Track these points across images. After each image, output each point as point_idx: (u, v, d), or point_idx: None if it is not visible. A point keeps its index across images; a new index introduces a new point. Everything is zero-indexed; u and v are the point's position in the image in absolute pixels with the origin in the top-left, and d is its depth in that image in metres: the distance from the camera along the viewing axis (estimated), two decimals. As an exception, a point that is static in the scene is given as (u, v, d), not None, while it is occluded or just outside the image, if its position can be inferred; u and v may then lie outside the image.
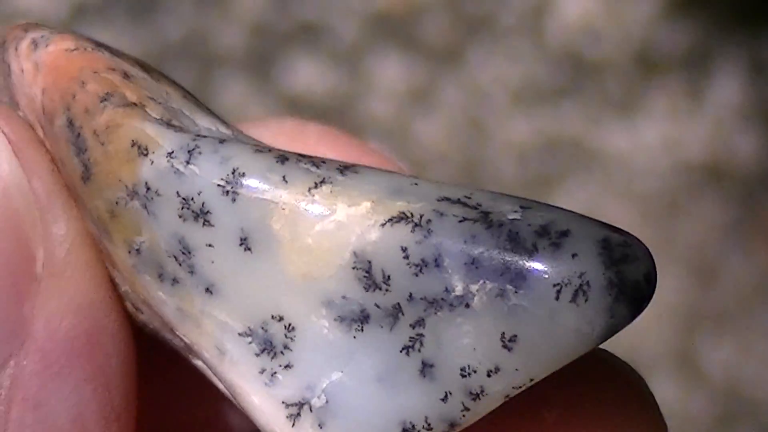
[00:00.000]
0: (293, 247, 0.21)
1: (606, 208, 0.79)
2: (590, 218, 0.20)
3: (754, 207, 0.80)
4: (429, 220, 0.20)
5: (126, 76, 0.23)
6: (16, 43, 0.24)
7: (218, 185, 0.21)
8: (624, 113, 0.82)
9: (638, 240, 0.20)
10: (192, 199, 0.21)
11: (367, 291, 0.20)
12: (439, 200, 0.20)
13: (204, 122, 0.23)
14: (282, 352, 0.21)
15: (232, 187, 0.21)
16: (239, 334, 0.21)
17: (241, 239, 0.21)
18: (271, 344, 0.21)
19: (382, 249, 0.20)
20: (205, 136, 0.22)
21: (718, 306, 0.79)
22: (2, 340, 0.21)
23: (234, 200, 0.21)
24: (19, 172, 0.22)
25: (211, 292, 0.21)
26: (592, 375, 0.23)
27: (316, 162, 0.21)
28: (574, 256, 0.19)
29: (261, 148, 0.21)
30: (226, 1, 0.81)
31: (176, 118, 0.22)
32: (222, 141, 0.21)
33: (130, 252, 0.22)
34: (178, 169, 0.21)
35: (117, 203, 0.22)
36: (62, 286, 0.22)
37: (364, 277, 0.20)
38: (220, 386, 0.22)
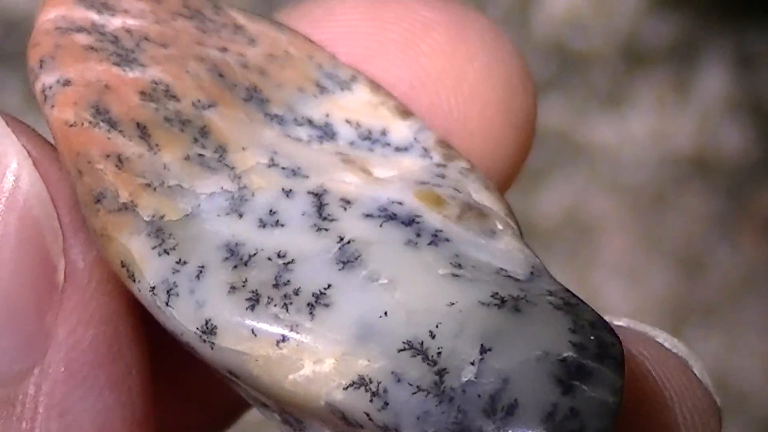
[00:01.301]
0: (275, 387, 0.22)
1: (592, 201, 0.79)
2: (547, 365, 0.21)
3: (741, 199, 0.81)
4: (386, 390, 0.21)
5: (120, 162, 0.23)
6: (33, 77, 0.24)
7: (195, 332, 0.22)
8: (610, 106, 0.82)
9: (598, 395, 0.20)
10: (179, 334, 0.22)
11: (351, 426, 0.21)
12: (400, 351, 0.21)
13: (207, 186, 0.23)
14: None
15: (207, 338, 0.22)
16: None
17: (229, 373, 0.22)
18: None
19: (349, 409, 0.21)
20: (178, 270, 0.22)
21: (705, 298, 0.79)
22: (25, 349, 0.22)
23: (212, 348, 0.22)
24: (40, 184, 0.22)
25: None
26: None
27: (288, 298, 0.22)
28: None
29: (236, 285, 0.22)
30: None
31: (172, 201, 0.23)
32: (199, 274, 0.22)
33: None
34: (160, 307, 0.22)
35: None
36: (86, 297, 0.22)
37: (342, 419, 0.21)
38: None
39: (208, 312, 0.22)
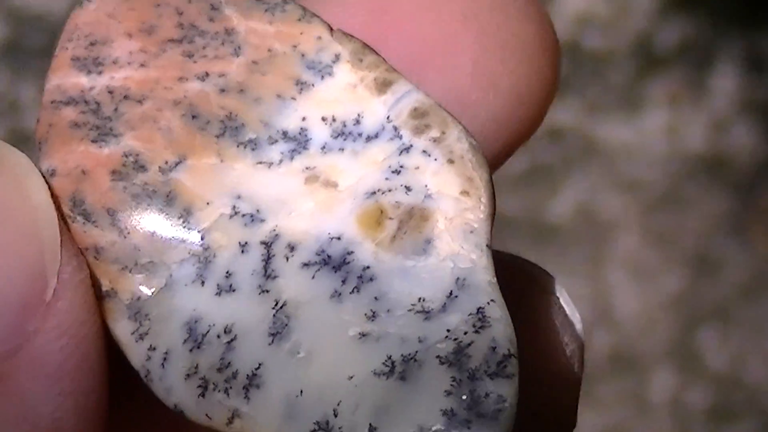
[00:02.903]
0: None
1: (607, 198, 0.80)
2: None
3: (753, 197, 0.81)
4: None
5: (97, 252, 0.25)
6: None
7: (172, 408, 0.25)
8: (625, 105, 0.83)
9: None
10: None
11: None
12: None
13: (176, 255, 0.25)
14: None
15: (180, 415, 0.25)
16: None
17: None
18: None
19: None
20: (150, 357, 0.25)
21: (718, 297, 0.80)
22: (4, 343, 0.24)
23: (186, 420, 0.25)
24: (51, 207, 0.25)
25: None
26: None
27: (228, 382, 0.24)
28: None
29: (190, 372, 0.25)
30: None
31: (147, 279, 0.25)
32: (164, 362, 0.25)
33: None
34: (146, 384, 0.25)
35: None
36: (67, 315, 0.24)
37: None
38: None
39: (174, 398, 0.25)
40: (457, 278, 0.24)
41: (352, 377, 0.24)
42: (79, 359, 0.24)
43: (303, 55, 0.27)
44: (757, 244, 0.80)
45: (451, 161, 0.25)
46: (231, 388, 0.24)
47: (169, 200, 0.26)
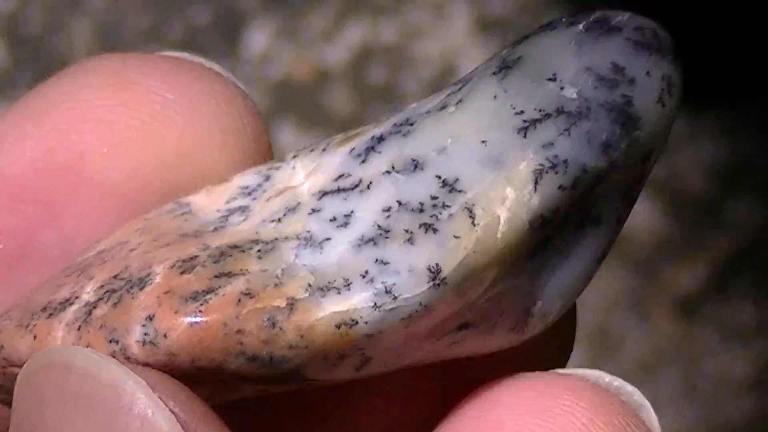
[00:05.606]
0: (488, 257, 0.24)
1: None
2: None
3: (652, 274, 0.82)
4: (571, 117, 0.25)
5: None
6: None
7: (425, 270, 0.24)
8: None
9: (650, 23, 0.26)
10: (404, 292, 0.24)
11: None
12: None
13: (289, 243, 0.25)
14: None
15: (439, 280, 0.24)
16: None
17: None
18: None
19: (549, 197, 0.25)
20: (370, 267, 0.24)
21: (620, 373, 0.80)
22: None
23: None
24: (178, 427, 0.22)
25: None
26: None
27: (436, 206, 0.24)
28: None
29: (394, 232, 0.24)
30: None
31: (292, 282, 0.24)
32: (376, 239, 0.24)
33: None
34: (389, 308, 0.23)
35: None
36: None
37: (541, 223, 0.25)
38: None
39: (424, 258, 0.24)
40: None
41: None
42: None
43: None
44: (656, 320, 0.81)
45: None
46: (444, 209, 0.24)
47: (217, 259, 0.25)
